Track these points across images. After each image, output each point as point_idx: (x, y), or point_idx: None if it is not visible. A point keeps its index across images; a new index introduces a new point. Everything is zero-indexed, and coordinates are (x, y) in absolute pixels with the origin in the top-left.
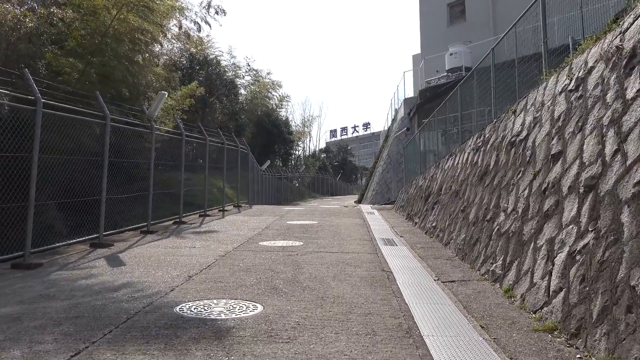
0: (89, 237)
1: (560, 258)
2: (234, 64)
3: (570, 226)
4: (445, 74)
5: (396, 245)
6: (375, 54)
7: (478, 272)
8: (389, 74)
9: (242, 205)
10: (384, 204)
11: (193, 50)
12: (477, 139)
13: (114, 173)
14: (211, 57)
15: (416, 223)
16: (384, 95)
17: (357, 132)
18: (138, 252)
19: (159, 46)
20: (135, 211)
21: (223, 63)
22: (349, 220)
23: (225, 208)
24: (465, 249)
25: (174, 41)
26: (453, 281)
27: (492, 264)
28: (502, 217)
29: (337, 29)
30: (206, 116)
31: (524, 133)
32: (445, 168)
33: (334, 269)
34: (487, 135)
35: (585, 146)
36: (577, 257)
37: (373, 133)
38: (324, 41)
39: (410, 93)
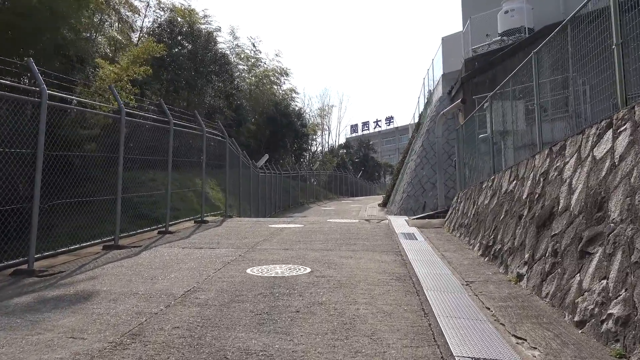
0: None
1: None
2: (237, 45)
3: None
4: (499, 37)
5: None
6: (398, 45)
7: None
8: (413, 66)
9: (209, 220)
10: (424, 216)
11: (179, 19)
12: None
13: None
14: (200, 27)
15: (521, 276)
16: (407, 88)
17: (380, 126)
18: None
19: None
20: None
21: (220, 42)
22: (374, 259)
23: (172, 228)
24: None
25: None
26: None
27: None
28: None
29: (356, 18)
30: (192, 99)
31: None
32: (597, 156)
33: None
34: None
35: None
36: None
37: (397, 127)
38: (343, 31)
39: (443, 70)
